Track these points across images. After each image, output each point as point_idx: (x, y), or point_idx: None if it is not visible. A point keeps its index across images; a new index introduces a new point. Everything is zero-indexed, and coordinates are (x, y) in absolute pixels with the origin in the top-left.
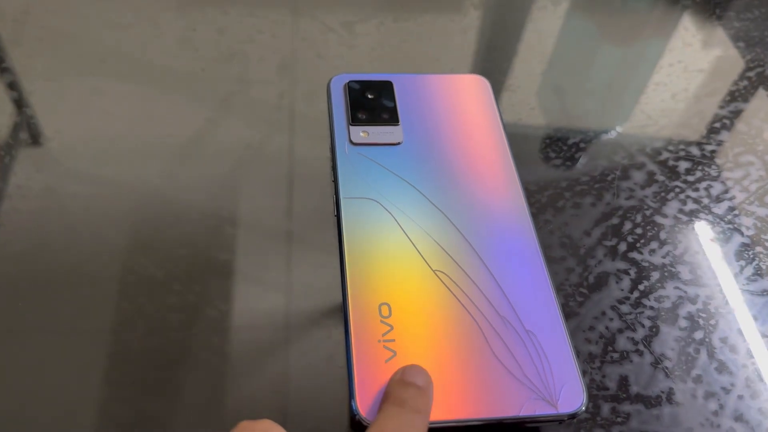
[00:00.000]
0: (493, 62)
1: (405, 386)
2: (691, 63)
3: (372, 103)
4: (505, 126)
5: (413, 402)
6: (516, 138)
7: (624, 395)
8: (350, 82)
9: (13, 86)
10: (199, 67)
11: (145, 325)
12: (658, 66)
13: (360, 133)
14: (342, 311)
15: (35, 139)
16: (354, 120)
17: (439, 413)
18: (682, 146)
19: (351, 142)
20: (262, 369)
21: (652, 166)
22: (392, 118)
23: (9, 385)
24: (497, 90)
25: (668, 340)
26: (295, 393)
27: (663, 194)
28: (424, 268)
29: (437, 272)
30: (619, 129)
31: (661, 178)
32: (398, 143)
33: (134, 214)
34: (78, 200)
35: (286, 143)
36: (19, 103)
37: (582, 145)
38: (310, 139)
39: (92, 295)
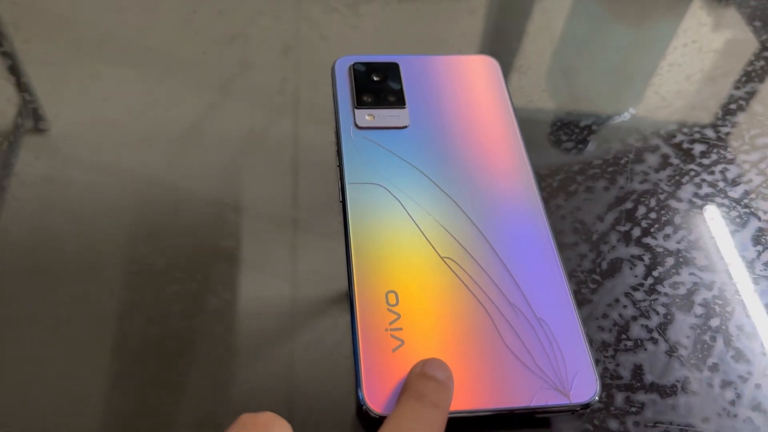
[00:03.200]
0: (502, 43)
1: (425, 380)
2: (705, 43)
3: (378, 85)
4: (515, 108)
5: (433, 396)
6: (526, 121)
7: (638, 384)
8: (355, 64)
9: (11, 71)
10: (200, 50)
11: (146, 315)
12: (672, 46)
13: (365, 116)
14: (348, 299)
15: (34, 125)
16: (359, 103)
17: None
18: (696, 128)
19: (356, 125)
20: (266, 359)
21: (666, 149)
22: (399, 101)
23: (8, 375)
24: (506, 71)
25: (683, 328)
26: (300, 383)
27: (677, 178)
28: (432, 255)
29: (446, 259)
30: (632, 111)
31: (675, 161)
32: (405, 127)
33: (135, 201)
34: (77, 187)
35: (290, 128)
36: (17, 88)
37: (594, 127)
38: (315, 123)
39: (92, 284)
